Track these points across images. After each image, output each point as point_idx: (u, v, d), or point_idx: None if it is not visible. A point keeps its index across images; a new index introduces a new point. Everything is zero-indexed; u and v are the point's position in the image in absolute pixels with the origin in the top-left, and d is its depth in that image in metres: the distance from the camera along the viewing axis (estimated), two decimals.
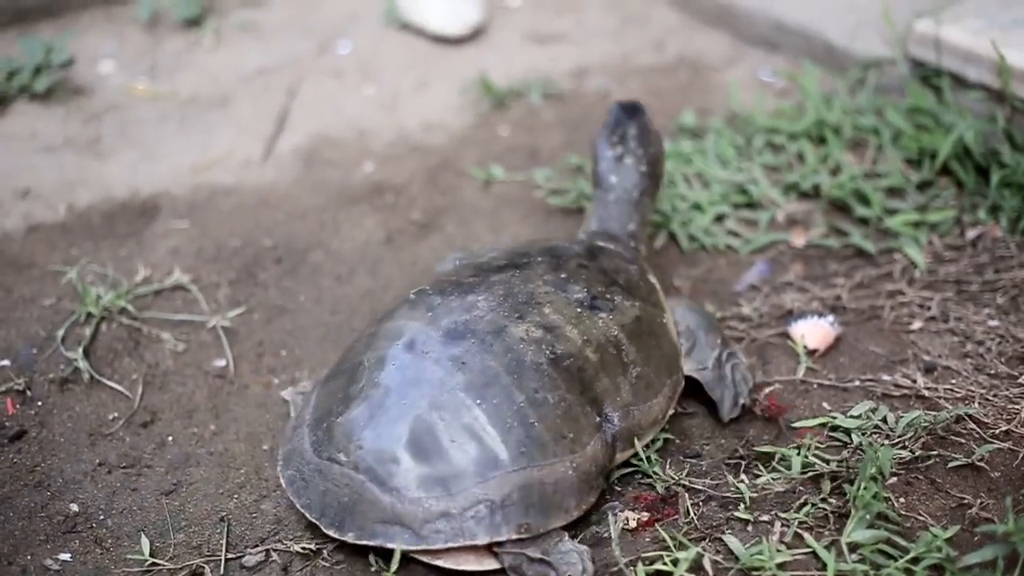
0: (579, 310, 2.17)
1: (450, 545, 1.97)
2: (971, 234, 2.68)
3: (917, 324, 2.47)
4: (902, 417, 2.19)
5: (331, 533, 2.01)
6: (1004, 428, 2.21)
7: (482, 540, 1.97)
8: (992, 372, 2.34)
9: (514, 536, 1.98)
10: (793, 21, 3.32)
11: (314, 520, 2.03)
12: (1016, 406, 2.25)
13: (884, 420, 2.21)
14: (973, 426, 2.21)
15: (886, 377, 2.34)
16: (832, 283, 2.59)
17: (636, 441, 2.15)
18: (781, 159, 2.92)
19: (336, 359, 2.27)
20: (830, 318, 2.45)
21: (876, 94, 3.05)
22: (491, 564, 2.02)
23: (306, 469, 2.07)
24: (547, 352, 2.08)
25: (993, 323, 2.46)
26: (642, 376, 2.16)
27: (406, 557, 2.00)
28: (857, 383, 2.34)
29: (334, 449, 2.04)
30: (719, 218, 2.80)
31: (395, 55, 3.49)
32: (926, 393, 2.29)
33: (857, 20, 3.24)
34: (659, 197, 2.57)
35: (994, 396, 2.28)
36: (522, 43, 3.54)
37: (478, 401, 2.02)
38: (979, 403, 2.26)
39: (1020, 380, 2.32)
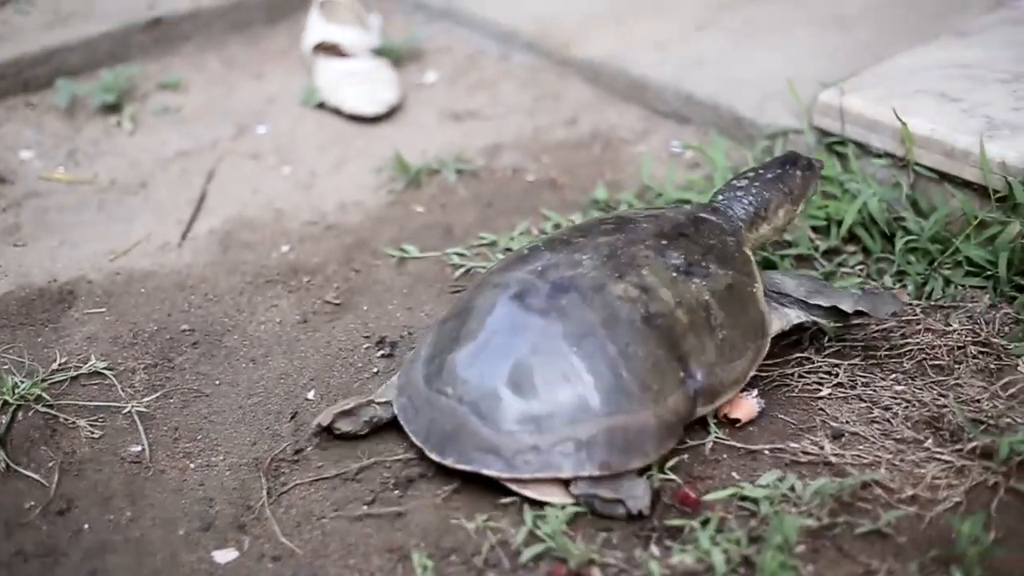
0: (674, 274, 2.36)
1: (537, 475, 2.18)
2: None
3: (825, 391, 2.51)
4: (809, 485, 2.23)
5: (433, 457, 2.25)
6: (910, 493, 2.24)
7: (567, 473, 2.18)
8: (898, 437, 2.38)
9: (596, 473, 2.18)
10: (703, 94, 3.38)
11: (419, 444, 2.27)
12: (922, 470, 2.29)
13: (792, 488, 2.24)
14: (880, 491, 2.25)
15: (794, 444, 2.37)
16: None
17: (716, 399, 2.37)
18: None
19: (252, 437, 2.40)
20: (755, 392, 2.48)
21: None
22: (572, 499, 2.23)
23: (417, 399, 2.31)
24: (641, 310, 2.29)
25: (899, 388, 2.50)
26: (727, 339, 2.36)
27: (498, 487, 2.22)
28: (767, 451, 2.37)
29: (442, 383, 2.27)
30: None
31: (312, 135, 3.53)
32: (833, 460, 2.32)
33: (764, 92, 3.29)
34: (761, 237, 2.64)
35: (900, 461, 2.32)
36: (438, 120, 3.58)
37: (575, 349, 2.23)
38: (886, 468, 2.30)
39: (926, 444, 2.35)
